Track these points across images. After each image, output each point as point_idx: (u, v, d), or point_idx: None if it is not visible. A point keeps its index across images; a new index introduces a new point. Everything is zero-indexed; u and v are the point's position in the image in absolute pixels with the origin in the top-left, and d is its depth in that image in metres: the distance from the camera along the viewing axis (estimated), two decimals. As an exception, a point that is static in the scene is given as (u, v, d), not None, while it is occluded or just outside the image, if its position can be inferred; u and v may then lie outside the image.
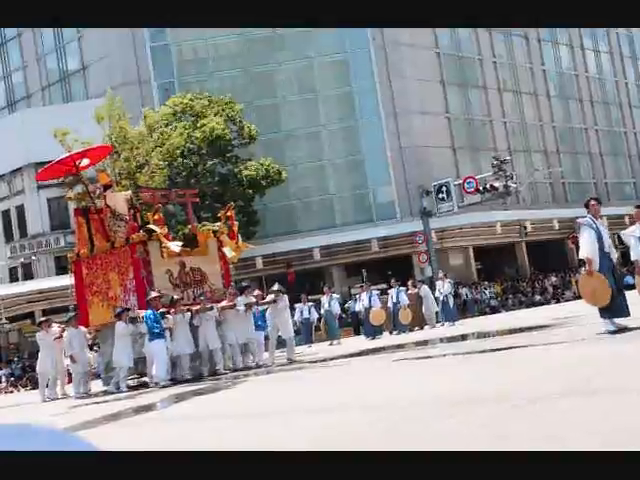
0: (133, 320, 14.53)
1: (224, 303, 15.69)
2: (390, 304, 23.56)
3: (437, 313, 24.58)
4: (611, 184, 48.04)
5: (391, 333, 23.50)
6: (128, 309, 14.95)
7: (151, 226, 16.01)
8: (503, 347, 10.89)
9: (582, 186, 46.49)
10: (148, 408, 10.26)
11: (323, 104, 38.46)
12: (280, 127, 37.68)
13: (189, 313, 15.11)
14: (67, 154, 18.94)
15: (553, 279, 37.81)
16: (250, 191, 32.87)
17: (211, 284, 16.44)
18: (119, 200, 17.09)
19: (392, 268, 32.85)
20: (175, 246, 15.65)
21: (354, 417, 6.01)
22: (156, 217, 16.42)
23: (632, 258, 10.52)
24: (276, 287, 16.58)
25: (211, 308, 15.29)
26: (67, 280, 35.36)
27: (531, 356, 9.40)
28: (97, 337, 16.96)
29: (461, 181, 33.54)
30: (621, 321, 9.99)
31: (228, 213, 17.94)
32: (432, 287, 25.47)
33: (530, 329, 14.82)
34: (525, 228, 39.74)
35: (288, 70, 38.46)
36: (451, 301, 24.60)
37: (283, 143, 37.61)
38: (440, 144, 38.41)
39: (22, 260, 37.22)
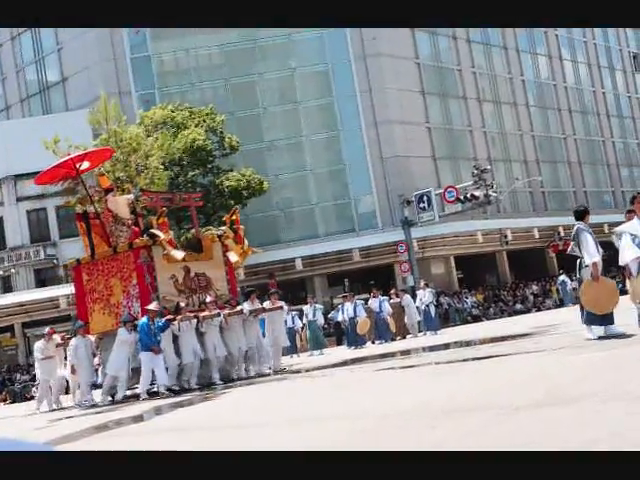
0: (136, 328, 14.16)
1: (227, 311, 15.26)
2: (373, 314, 23.59)
3: (419, 322, 24.63)
4: (590, 193, 48.46)
5: (373, 343, 23.51)
6: (135, 319, 14.51)
7: (154, 231, 15.48)
8: (485, 356, 10.93)
9: (561, 195, 46.87)
10: (127, 421, 10.18)
11: (304, 114, 38.52)
12: (261, 138, 37.69)
13: (195, 320, 14.65)
14: (66, 157, 18.31)
15: (534, 288, 38.03)
16: (231, 202, 32.80)
17: (216, 290, 15.97)
18: (121, 204, 16.57)
19: (374, 278, 32.87)
20: (178, 253, 15.18)
21: (335, 427, 6.00)
22: (160, 221, 15.97)
23: (621, 262, 9.89)
24: (273, 290, 16.57)
25: (218, 314, 14.89)
26: (47, 293, 35.27)
27: (513, 364, 9.44)
28: (99, 345, 16.29)
29: (442, 190, 33.70)
30: (615, 328, 9.92)
31: (233, 217, 17.41)
32: (414, 296, 25.53)
33: (512, 337, 14.89)
34: (506, 237, 39.96)
35: (269, 81, 38.52)
36: (433, 310, 24.66)
37: (264, 154, 37.62)
38: (421, 154, 38.58)
39: (1, 273, 36.89)
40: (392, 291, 25.93)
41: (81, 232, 16.97)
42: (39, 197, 36.19)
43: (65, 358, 16.56)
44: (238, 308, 15.52)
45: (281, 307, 16.79)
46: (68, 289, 35.14)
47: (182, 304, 14.84)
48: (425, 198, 33.91)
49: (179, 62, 38.59)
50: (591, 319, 10.01)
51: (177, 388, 14.02)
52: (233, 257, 16.27)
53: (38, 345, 16.70)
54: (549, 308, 34.30)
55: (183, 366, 14.45)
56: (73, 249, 35.79)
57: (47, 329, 17.24)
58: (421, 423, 5.59)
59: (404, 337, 23.90)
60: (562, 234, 41.80)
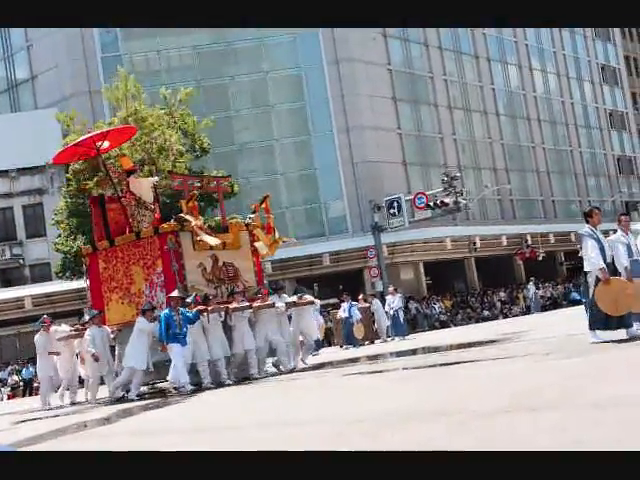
0: (156, 319, 13.19)
1: (259, 303, 14.32)
2: (342, 318, 23.65)
3: (388, 327, 24.72)
4: (557, 201, 49.06)
5: (341, 347, 23.55)
6: (155, 308, 13.53)
7: (185, 215, 14.29)
8: (452, 362, 11.01)
9: (529, 203, 47.40)
10: (95, 423, 10.08)
11: (276, 118, 38.52)
12: (233, 140, 37.60)
13: (224, 312, 13.72)
14: (87, 135, 17.06)
15: (501, 294, 38.37)
16: (201, 204, 32.61)
17: (244, 281, 14.99)
18: (144, 186, 15.56)
19: (344, 282, 32.96)
20: (212, 239, 14.08)
21: (304, 432, 6.01)
22: (190, 205, 14.67)
23: (620, 268, 9.82)
24: (299, 292, 15.87)
25: (249, 307, 14.01)
26: (13, 293, 34.78)
27: (480, 370, 9.52)
28: (116, 337, 14.87)
29: (412, 197, 33.89)
30: (610, 333, 9.91)
31: (263, 205, 16.24)
32: (383, 302, 25.64)
33: (479, 344, 15.00)
34: (474, 244, 40.30)
35: (241, 83, 38.45)
36: (402, 316, 24.78)
37: (236, 156, 37.53)
38: (392, 159, 38.77)
39: (-34, 272, 36.35)
40: (360, 296, 26.01)
41: (94, 218, 15.79)
42: (6, 196, 35.74)
43: (76, 354, 15.47)
44: (269, 301, 14.55)
45: (312, 302, 16.00)
46: (34, 289, 34.86)
47: (210, 295, 13.85)
48: (395, 204, 34.07)
49: (150, 63, 38.34)
50: (594, 324, 9.91)
51: (190, 387, 12.92)
52: (262, 248, 15.31)
53: (36, 338, 15.57)
54: (516, 315, 34.64)
55: (215, 361, 13.47)
56: (40, 249, 35.48)
57: (44, 318, 15.87)
58: (383, 429, 5.61)
59: (373, 342, 23.98)
60: (529, 242, 42.28)
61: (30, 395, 26.65)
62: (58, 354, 15.20)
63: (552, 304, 37.57)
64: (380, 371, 11.86)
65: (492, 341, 15.11)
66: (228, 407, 9.89)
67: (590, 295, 10.16)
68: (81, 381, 15.93)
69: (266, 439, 5.87)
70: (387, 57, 40.56)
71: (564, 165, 50.29)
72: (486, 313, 35.86)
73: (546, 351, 10.29)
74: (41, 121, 33.90)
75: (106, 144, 16.29)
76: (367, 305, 24.64)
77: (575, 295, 39.97)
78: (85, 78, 36.84)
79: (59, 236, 28.99)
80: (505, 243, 42.10)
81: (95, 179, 20.70)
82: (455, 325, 33.12)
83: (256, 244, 15.30)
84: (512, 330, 18.23)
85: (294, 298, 15.64)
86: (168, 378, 13.19)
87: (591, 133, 53.36)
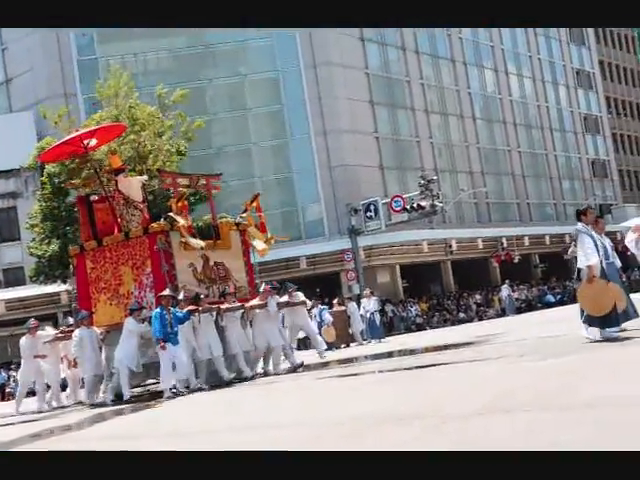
0: (145, 320, 13.03)
1: (255, 302, 14.19)
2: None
3: (363, 331, 24.75)
4: (533, 205, 49.47)
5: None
6: (143, 307, 13.39)
7: (174, 215, 14.05)
8: (428, 364, 11.06)
9: (505, 206, 47.76)
10: (68, 429, 10.02)
11: (254, 121, 38.49)
12: (210, 144, 37.50)
13: (215, 312, 13.55)
14: (74, 133, 16.60)
15: (477, 297, 38.59)
16: (191, 200, 32.32)
17: (235, 281, 14.80)
18: (133, 186, 15.24)
19: (321, 286, 32.99)
20: (197, 242, 13.92)
21: (281, 435, 6.02)
22: (180, 205, 14.41)
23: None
24: (289, 287, 15.65)
25: (241, 307, 13.92)
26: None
27: (456, 373, 9.58)
28: (105, 339, 14.48)
29: (389, 200, 34.01)
30: (612, 331, 9.85)
31: (254, 203, 15.97)
32: (360, 305, 25.68)
33: (455, 346, 15.09)
34: (450, 247, 40.50)
35: (219, 87, 38.38)
36: (378, 318, 24.84)
37: (213, 159, 37.41)
38: (369, 163, 38.89)
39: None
40: (335, 300, 26.01)
41: (81, 218, 15.55)
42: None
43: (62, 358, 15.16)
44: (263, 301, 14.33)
45: (304, 302, 15.78)
46: (7, 294, 34.46)
47: (202, 294, 13.66)
48: (372, 207, 34.15)
49: (127, 66, 38.03)
50: (590, 320, 9.94)
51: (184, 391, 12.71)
52: (260, 245, 15.11)
53: (22, 341, 15.17)
54: (491, 317, 34.85)
55: (198, 362, 13.32)
56: (13, 253, 35.11)
57: (31, 321, 15.47)
58: (359, 432, 5.64)
59: (348, 345, 24.01)
60: (505, 245, 42.59)
61: (2, 400, 26.33)
62: (44, 357, 14.89)
63: (527, 306, 37.85)
64: (356, 374, 11.90)
65: (467, 343, 15.20)
66: (206, 410, 9.86)
67: None
68: (64, 384, 15.71)
69: (241, 442, 5.87)
70: (364, 61, 40.69)
71: (539, 168, 50.73)
72: (462, 315, 36.05)
73: (520, 353, 10.38)
74: (16, 124, 33.63)
75: (94, 142, 15.93)
76: (343, 308, 24.65)
77: (550, 297, 40.40)
78: (61, 81, 36.58)
79: (33, 240, 28.72)
80: (481, 246, 42.37)
81: (83, 177, 20.24)
82: (431, 328, 33.26)
83: (253, 242, 15.17)
84: (487, 332, 18.34)
85: (285, 298, 15.48)
86: (178, 377, 12.87)
87: (566, 137, 53.88)
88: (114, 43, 36.92)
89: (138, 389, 14.57)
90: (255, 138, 38.34)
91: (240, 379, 13.69)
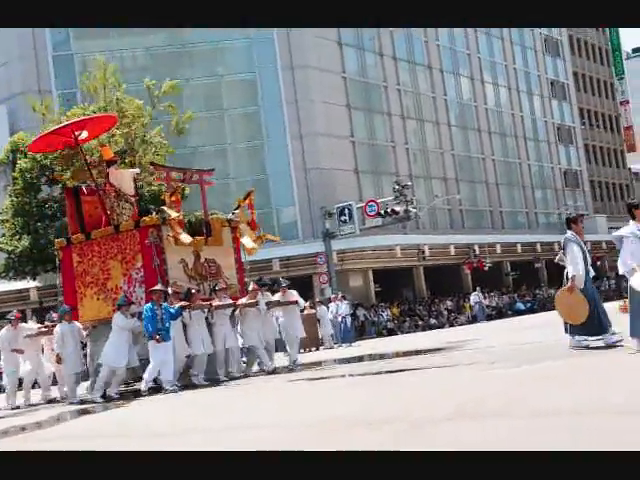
0: (134, 316, 12.79)
1: (244, 300, 13.97)
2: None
3: (333, 334, 24.73)
4: (505, 213, 49.87)
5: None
6: (132, 302, 13.11)
7: (167, 208, 13.77)
8: (398, 369, 11.10)
9: (478, 214, 48.09)
10: (30, 428, 9.90)
11: (230, 122, 38.40)
12: (186, 143, 37.30)
13: (207, 309, 13.38)
14: (65, 123, 16.32)
15: (448, 303, 38.81)
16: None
17: (226, 278, 14.56)
18: (125, 178, 14.91)
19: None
20: (186, 237, 13.63)
21: (251, 437, 6.01)
22: (173, 198, 14.05)
23: (626, 269, 8.94)
24: (283, 283, 15.52)
25: (233, 304, 13.72)
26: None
27: (426, 378, 9.63)
28: (90, 334, 14.13)
29: (363, 204, 34.09)
30: (595, 340, 9.87)
31: (247, 200, 15.80)
32: (329, 308, 25.69)
33: (425, 352, 15.16)
34: (423, 252, 40.70)
35: (195, 86, 38.21)
36: (349, 322, 24.88)
37: (189, 159, 37.19)
38: (344, 167, 38.96)
39: None
40: (306, 303, 25.97)
41: (68, 210, 15.19)
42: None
43: (42, 350, 14.82)
44: (254, 299, 14.09)
45: (296, 302, 15.60)
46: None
47: (193, 290, 13.37)
48: (346, 211, 34.20)
49: (93, 65, 37.89)
50: (579, 329, 9.93)
51: (179, 385, 12.60)
52: (249, 243, 14.89)
53: (1, 333, 14.74)
54: (462, 324, 35.07)
55: (192, 358, 13.11)
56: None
57: (13, 313, 15.06)
58: (326, 437, 5.65)
59: (317, 348, 24.01)
60: (477, 252, 42.89)
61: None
62: (21, 352, 14.53)
63: (497, 314, 38.16)
64: (326, 377, 11.90)
65: (438, 349, 15.28)
66: (176, 411, 9.80)
67: None
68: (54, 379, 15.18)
69: (209, 443, 5.85)
70: (342, 65, 40.77)
71: (512, 177, 51.17)
72: (433, 321, 36.22)
73: (491, 360, 10.46)
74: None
75: (85, 134, 15.52)
76: (312, 312, 24.65)
77: (520, 305, 40.77)
78: (35, 77, 36.21)
79: (3, 235, 28.38)
80: (453, 252, 42.62)
81: (72, 169, 19.87)
82: (402, 333, 33.38)
83: (242, 240, 14.95)
84: (458, 338, 18.45)
85: (278, 295, 15.35)
86: (143, 376, 12.79)
87: (539, 146, 54.42)
88: (90, 39, 36.62)
89: (121, 387, 14.21)
90: (231, 139, 38.25)
91: (231, 378, 13.55)
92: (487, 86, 50.40)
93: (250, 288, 14.36)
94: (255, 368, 14.70)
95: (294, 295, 15.61)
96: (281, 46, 38.20)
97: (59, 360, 13.40)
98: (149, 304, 12.50)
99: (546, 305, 41.33)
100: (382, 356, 16.20)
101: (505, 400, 6.37)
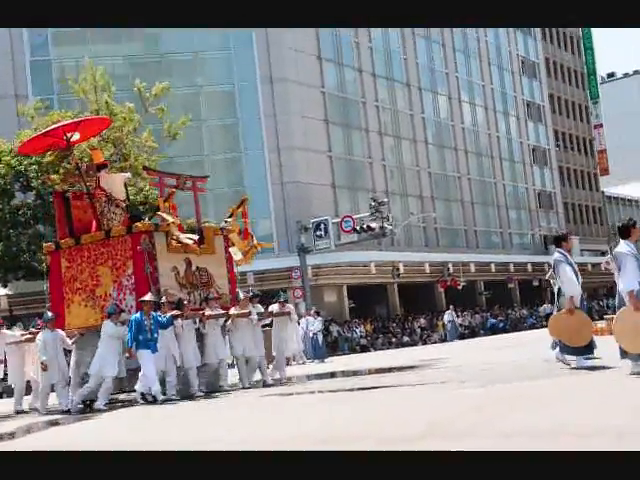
0: (125, 324, 12.42)
1: (234, 310, 13.69)
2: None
3: (304, 350, 24.59)
4: (480, 232, 50.20)
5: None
6: (122, 310, 12.78)
7: (163, 214, 13.55)
8: (370, 386, 11.05)
9: (453, 232, 48.35)
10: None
11: (208, 133, 38.31)
12: (162, 153, 37.15)
13: (198, 319, 13.10)
14: (57, 124, 15.97)
15: (421, 321, 38.88)
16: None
17: (217, 288, 14.29)
18: (116, 182, 14.59)
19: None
20: (187, 239, 13.40)
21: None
22: (167, 204, 13.95)
23: (627, 288, 8.49)
24: (282, 297, 15.25)
25: (225, 314, 13.48)
26: None
27: (398, 396, 9.59)
28: (76, 342, 13.61)
29: (339, 219, 34.11)
30: (586, 361, 9.79)
31: (241, 208, 15.67)
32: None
33: (397, 369, 15.13)
34: (398, 269, 40.77)
35: (174, 96, 38.05)
36: (321, 338, 24.79)
37: (165, 168, 36.96)
38: (321, 182, 39.01)
39: None
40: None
41: (57, 214, 14.78)
42: None
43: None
44: (246, 310, 13.85)
45: (289, 313, 15.29)
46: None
47: (185, 300, 13.09)
48: (322, 226, 34.20)
49: (81, 69, 37.68)
50: (564, 348, 9.86)
51: (175, 396, 12.31)
52: (237, 254, 14.61)
53: None
54: (435, 342, 35.14)
55: (185, 370, 12.85)
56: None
57: None
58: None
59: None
60: (451, 270, 43.07)
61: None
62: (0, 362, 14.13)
63: (470, 333, 38.29)
64: (296, 393, 11.82)
65: (410, 367, 15.26)
66: (144, 424, 9.66)
67: None
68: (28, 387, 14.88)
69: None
70: (321, 80, 40.90)
71: (487, 196, 51.55)
72: (406, 339, 36.26)
73: (462, 379, 10.45)
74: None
75: (77, 136, 15.14)
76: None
77: (492, 320, 41.01)
78: (12, 81, 35.90)
79: (-26, 242, 27.93)
80: (428, 270, 42.74)
81: (61, 172, 19.48)
82: (375, 349, 33.37)
83: (230, 249, 14.71)
84: (431, 357, 18.46)
85: (275, 307, 15.12)
86: (136, 387, 12.49)
87: (514, 167, 54.92)
88: (69, 46, 36.45)
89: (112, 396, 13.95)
90: (208, 150, 38.15)
91: (214, 390, 13.29)
92: (464, 105, 50.84)
93: (241, 297, 14.15)
94: (257, 377, 14.45)
95: (291, 309, 15.39)
96: (261, 59, 38.25)
97: (45, 367, 12.99)
98: (137, 314, 12.24)
99: (518, 325, 41.63)
100: (355, 373, 16.13)
101: (474, 420, 6.34)
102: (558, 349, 10.00)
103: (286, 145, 38.08)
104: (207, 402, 11.86)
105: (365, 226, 32.33)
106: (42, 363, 12.98)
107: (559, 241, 10.26)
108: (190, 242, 13.49)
